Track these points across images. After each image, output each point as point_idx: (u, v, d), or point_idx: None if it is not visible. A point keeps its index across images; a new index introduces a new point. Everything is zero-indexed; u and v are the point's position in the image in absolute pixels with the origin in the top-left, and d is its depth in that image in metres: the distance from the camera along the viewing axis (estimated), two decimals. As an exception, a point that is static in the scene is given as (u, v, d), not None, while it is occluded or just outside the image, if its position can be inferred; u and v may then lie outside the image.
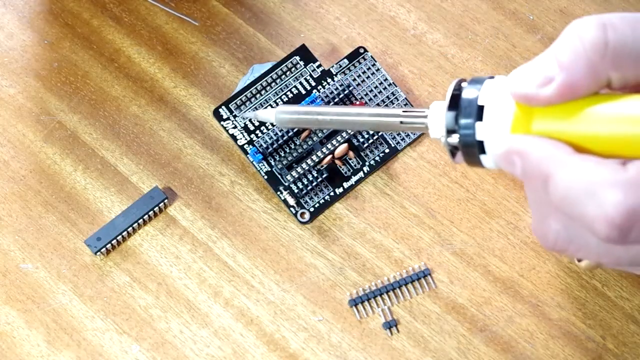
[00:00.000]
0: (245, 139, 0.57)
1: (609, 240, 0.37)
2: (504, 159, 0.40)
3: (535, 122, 0.39)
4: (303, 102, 0.57)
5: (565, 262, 0.55)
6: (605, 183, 0.36)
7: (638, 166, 0.37)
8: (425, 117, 0.43)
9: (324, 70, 0.59)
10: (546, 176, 0.38)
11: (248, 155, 0.57)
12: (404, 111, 0.44)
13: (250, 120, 0.57)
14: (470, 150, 0.41)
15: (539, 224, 0.41)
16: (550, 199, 0.38)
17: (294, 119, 0.49)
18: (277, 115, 0.50)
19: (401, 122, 0.44)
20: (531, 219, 0.43)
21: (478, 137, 0.40)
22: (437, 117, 0.42)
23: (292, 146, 0.57)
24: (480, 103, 0.40)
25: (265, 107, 0.54)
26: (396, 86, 0.59)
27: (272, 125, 0.57)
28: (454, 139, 0.41)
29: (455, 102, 0.41)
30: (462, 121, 0.40)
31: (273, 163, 0.57)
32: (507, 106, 0.40)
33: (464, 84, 0.41)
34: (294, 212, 0.57)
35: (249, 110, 0.57)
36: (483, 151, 0.41)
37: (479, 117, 0.40)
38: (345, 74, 0.59)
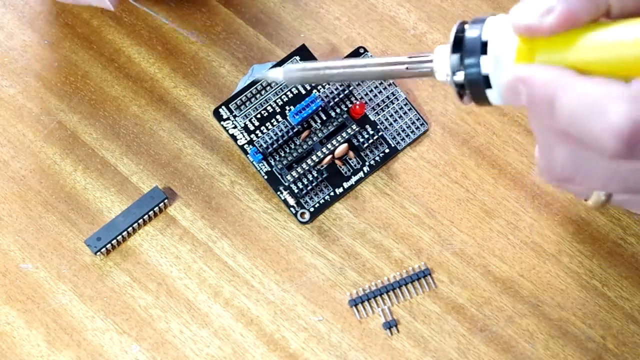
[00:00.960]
0: (245, 139, 0.57)
1: (616, 156, 0.37)
2: (510, 89, 0.40)
3: (539, 53, 0.40)
4: (303, 102, 0.57)
5: (565, 263, 0.56)
6: (611, 98, 0.37)
7: None
8: (431, 61, 0.44)
9: (324, 70, 0.59)
10: (552, 99, 0.38)
11: (248, 155, 0.57)
12: (409, 57, 0.45)
13: (250, 120, 0.57)
14: (476, 86, 0.41)
15: (545, 156, 0.41)
16: (556, 124, 0.39)
17: (302, 75, 0.49)
18: (285, 73, 0.50)
19: (407, 68, 0.45)
20: (535, 154, 0.44)
21: (483, 71, 0.41)
22: (442, 59, 0.43)
23: (292, 146, 0.57)
24: (483, 39, 0.41)
25: (274, 68, 0.54)
26: (396, 86, 0.59)
27: (272, 125, 0.57)
28: (460, 76, 0.42)
29: (458, 44, 0.42)
30: (467, 60, 0.41)
31: (273, 163, 0.57)
32: (510, 40, 0.40)
33: (466, 26, 0.42)
34: (294, 212, 0.57)
35: (256, 74, 0.57)
36: (489, 85, 0.41)
37: (484, 52, 0.41)
38: (345, 74, 0.59)
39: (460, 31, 0.42)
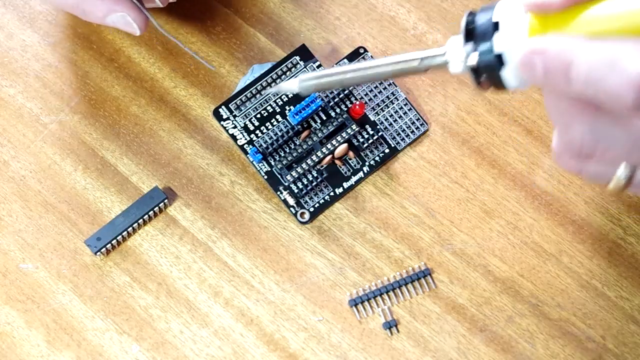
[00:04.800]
0: (245, 139, 0.57)
1: (635, 108, 0.37)
2: (525, 64, 0.40)
3: (551, 28, 0.40)
4: (303, 102, 0.57)
5: (565, 263, 0.56)
6: (625, 53, 0.37)
7: None
8: (444, 53, 0.44)
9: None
10: (568, 65, 0.39)
11: (248, 155, 0.57)
12: (422, 52, 0.45)
13: (250, 120, 0.58)
14: (491, 67, 0.42)
15: (564, 134, 0.41)
16: (573, 91, 0.39)
17: (317, 83, 0.50)
18: (300, 83, 0.50)
19: (421, 61, 0.45)
20: (553, 140, 0.44)
21: (497, 50, 0.41)
22: (456, 48, 0.43)
23: (292, 146, 0.57)
24: (495, 20, 0.41)
25: (287, 80, 0.55)
26: (396, 86, 0.59)
27: (272, 125, 0.57)
28: (473, 59, 0.42)
29: (470, 34, 0.42)
30: (480, 42, 0.42)
31: (273, 163, 0.57)
32: (522, 18, 0.41)
33: (476, 13, 0.43)
34: (294, 212, 0.57)
35: (268, 88, 0.57)
36: (503, 65, 0.41)
37: (496, 31, 0.41)
38: (345, 74, 0.59)
39: (470, 22, 0.42)
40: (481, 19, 0.42)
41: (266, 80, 0.58)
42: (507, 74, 0.42)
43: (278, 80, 0.58)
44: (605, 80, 0.38)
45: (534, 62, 0.40)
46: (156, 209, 0.56)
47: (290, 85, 0.51)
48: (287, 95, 0.58)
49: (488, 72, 0.42)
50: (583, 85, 0.39)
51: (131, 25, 0.55)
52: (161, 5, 0.56)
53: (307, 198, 0.57)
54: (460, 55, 0.43)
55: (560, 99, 0.41)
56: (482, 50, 0.42)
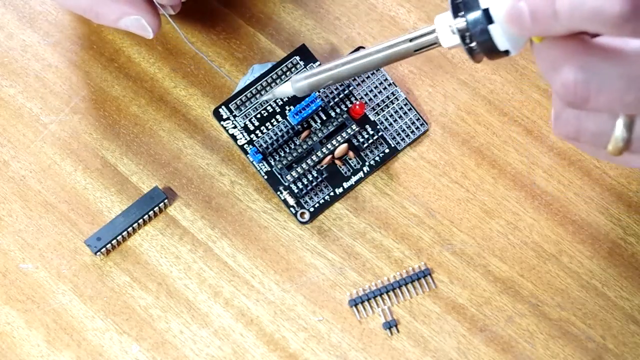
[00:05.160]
0: (245, 139, 0.57)
1: (624, 20, 0.37)
2: (512, 14, 0.40)
3: None
4: (303, 102, 0.57)
5: (565, 263, 0.56)
6: None
7: None
8: (434, 30, 0.45)
9: (324, 70, 0.59)
10: (553, 1, 0.39)
11: (248, 155, 0.57)
12: (410, 34, 0.46)
13: (250, 120, 0.58)
14: (480, 25, 0.42)
15: (558, 84, 0.41)
16: (561, 26, 0.39)
17: (310, 82, 0.51)
18: (293, 85, 0.51)
19: (410, 41, 0.46)
20: (553, 112, 0.45)
21: (483, 6, 0.42)
22: (444, 23, 0.44)
23: (292, 146, 0.57)
24: None
25: (280, 84, 0.55)
26: (396, 86, 0.59)
27: (272, 125, 0.57)
28: (461, 22, 0.42)
29: (457, 9, 0.43)
30: (468, 13, 0.42)
31: (273, 163, 0.57)
32: None
33: None
34: (294, 212, 0.57)
35: (264, 93, 0.57)
36: (491, 21, 0.42)
37: None
38: (345, 74, 0.59)
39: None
40: None
41: (266, 80, 0.58)
42: (497, 34, 0.42)
43: (278, 81, 0.58)
44: (590, 0, 0.38)
45: (521, 8, 0.40)
46: (156, 209, 0.56)
47: (284, 89, 0.52)
48: (287, 95, 0.58)
49: (478, 36, 0.42)
50: (569, 13, 0.39)
51: (145, 29, 0.55)
52: (173, 13, 0.56)
53: (307, 198, 0.57)
54: (449, 23, 0.44)
55: (550, 48, 0.41)
56: (469, 9, 0.42)
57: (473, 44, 0.43)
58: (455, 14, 0.43)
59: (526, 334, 0.54)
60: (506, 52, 0.43)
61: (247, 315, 0.55)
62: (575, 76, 0.41)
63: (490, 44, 0.42)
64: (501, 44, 0.42)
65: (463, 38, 0.43)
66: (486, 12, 0.42)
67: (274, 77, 0.58)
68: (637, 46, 0.40)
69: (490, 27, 0.42)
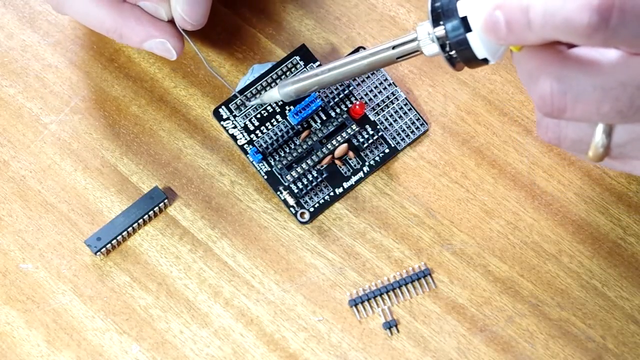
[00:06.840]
0: (245, 139, 0.57)
1: (592, 29, 0.38)
2: (488, 21, 0.41)
3: None
4: (303, 102, 0.57)
5: (565, 263, 0.56)
6: None
7: None
8: (416, 39, 0.46)
9: (324, 70, 0.59)
10: (526, 8, 0.39)
11: (248, 155, 0.57)
12: (393, 41, 0.47)
13: (250, 120, 0.58)
14: (458, 32, 0.42)
15: (536, 95, 0.42)
16: (535, 34, 0.40)
17: (296, 87, 0.52)
18: (280, 90, 0.52)
19: (394, 48, 0.47)
20: (537, 118, 0.45)
21: (461, 14, 0.42)
22: (425, 30, 0.45)
23: (292, 146, 0.57)
24: None
25: (268, 90, 0.56)
26: (396, 86, 0.59)
27: (272, 125, 0.57)
28: (440, 30, 0.43)
29: (437, 18, 0.43)
30: (445, 10, 0.43)
31: (273, 163, 0.57)
32: None
33: None
34: (293, 212, 0.57)
35: (252, 99, 0.58)
36: (469, 29, 0.42)
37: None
38: (345, 74, 0.59)
39: (437, 8, 0.43)
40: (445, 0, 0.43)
41: (266, 80, 0.58)
42: (475, 43, 0.42)
43: (278, 81, 0.58)
44: (562, 11, 0.38)
45: (497, 17, 0.40)
46: (156, 209, 0.56)
47: (272, 94, 0.53)
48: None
49: (457, 45, 0.43)
50: (542, 23, 0.39)
51: (170, 52, 0.55)
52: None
53: (307, 198, 0.57)
54: (429, 31, 0.44)
55: (528, 58, 0.42)
56: (447, 17, 0.43)
57: (452, 52, 0.43)
58: (435, 23, 0.43)
59: (526, 334, 0.54)
60: (485, 60, 0.43)
61: (247, 315, 0.55)
62: (552, 87, 0.41)
63: (469, 52, 0.43)
64: (479, 52, 0.43)
65: (442, 46, 0.43)
66: (464, 20, 0.42)
67: (274, 77, 0.58)
68: (612, 57, 0.41)
69: (469, 35, 0.42)
